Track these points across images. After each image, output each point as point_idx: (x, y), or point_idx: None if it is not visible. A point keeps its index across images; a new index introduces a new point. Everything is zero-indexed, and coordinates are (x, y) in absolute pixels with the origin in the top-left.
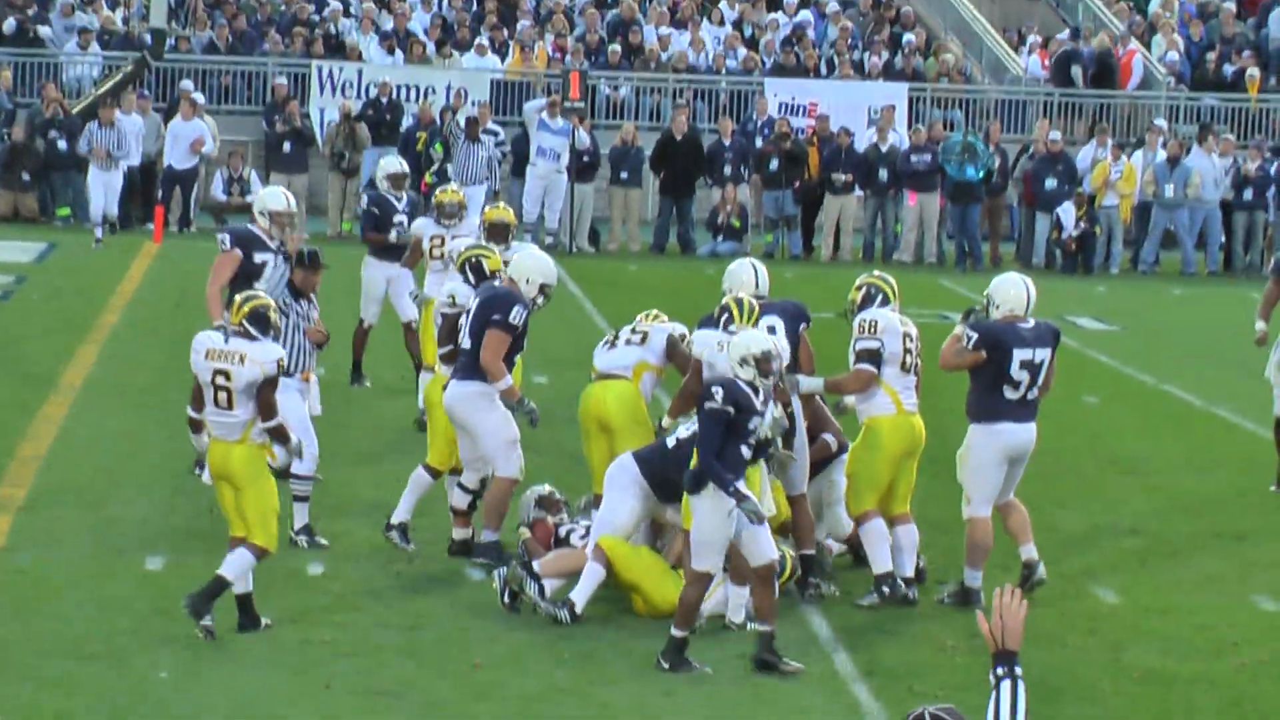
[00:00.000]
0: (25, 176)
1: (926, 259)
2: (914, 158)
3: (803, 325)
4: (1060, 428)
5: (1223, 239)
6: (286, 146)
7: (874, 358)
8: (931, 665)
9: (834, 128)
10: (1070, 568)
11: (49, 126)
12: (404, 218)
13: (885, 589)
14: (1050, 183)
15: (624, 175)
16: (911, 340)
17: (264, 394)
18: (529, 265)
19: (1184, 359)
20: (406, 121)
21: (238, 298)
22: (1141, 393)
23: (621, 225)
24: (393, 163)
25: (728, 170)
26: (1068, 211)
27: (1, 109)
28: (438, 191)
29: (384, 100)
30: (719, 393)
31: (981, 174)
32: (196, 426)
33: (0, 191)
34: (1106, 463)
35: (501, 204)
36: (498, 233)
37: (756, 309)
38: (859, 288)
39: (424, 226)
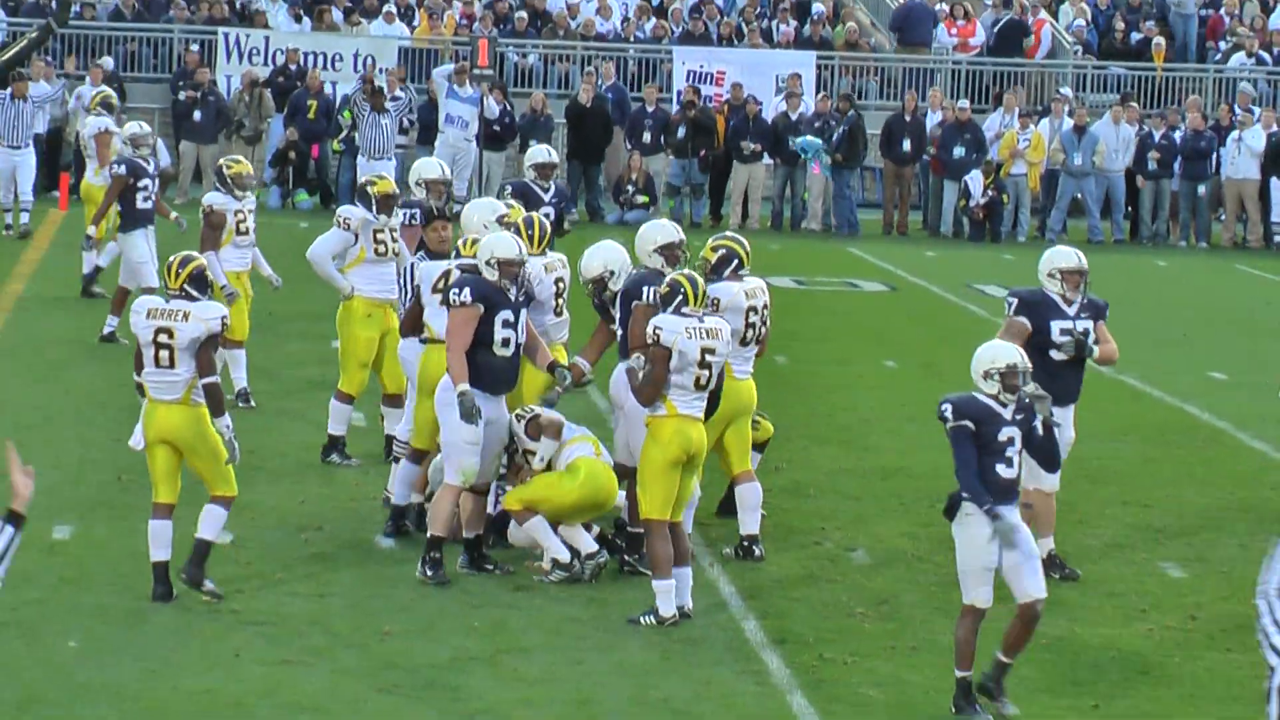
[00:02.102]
0: None
1: (833, 228)
2: (822, 125)
3: None
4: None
5: (1128, 208)
6: (196, 115)
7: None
8: (841, 631)
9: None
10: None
11: None
12: (550, 209)
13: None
14: (958, 151)
15: (533, 143)
16: (756, 313)
17: (205, 351)
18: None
19: None
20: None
21: (173, 260)
22: None
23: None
24: (540, 152)
25: (647, 138)
26: (975, 180)
27: None
28: (228, 162)
29: (292, 67)
30: (948, 409)
31: (829, 172)
32: (142, 391)
33: None
34: None
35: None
36: (385, 204)
37: (705, 288)
38: (715, 249)
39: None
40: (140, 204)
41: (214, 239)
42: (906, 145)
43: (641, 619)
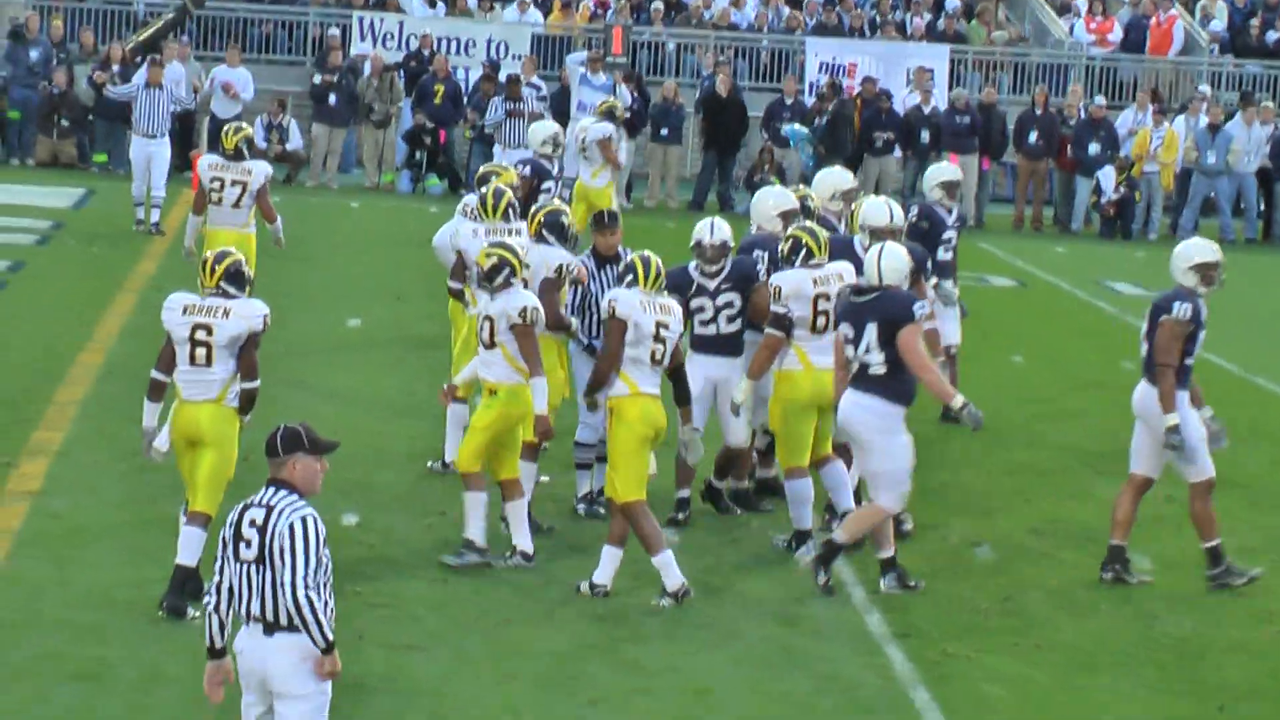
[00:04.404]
0: (64, 123)
1: (968, 222)
2: (956, 119)
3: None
4: (1098, 394)
5: (1261, 207)
6: (331, 99)
7: (781, 323)
8: (965, 627)
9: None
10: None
11: (102, 71)
12: (953, 233)
13: (797, 544)
14: (1092, 148)
15: (664, 132)
16: (828, 300)
17: (248, 352)
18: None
19: (1223, 327)
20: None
21: (209, 256)
22: None
23: (660, 182)
24: (945, 170)
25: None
26: (1108, 176)
27: (49, 57)
28: (229, 131)
29: (425, 53)
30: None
31: (811, 163)
32: (158, 392)
33: (40, 138)
34: None
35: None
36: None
37: (662, 271)
38: (787, 239)
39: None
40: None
41: (201, 201)
42: (1034, 138)
43: (659, 602)
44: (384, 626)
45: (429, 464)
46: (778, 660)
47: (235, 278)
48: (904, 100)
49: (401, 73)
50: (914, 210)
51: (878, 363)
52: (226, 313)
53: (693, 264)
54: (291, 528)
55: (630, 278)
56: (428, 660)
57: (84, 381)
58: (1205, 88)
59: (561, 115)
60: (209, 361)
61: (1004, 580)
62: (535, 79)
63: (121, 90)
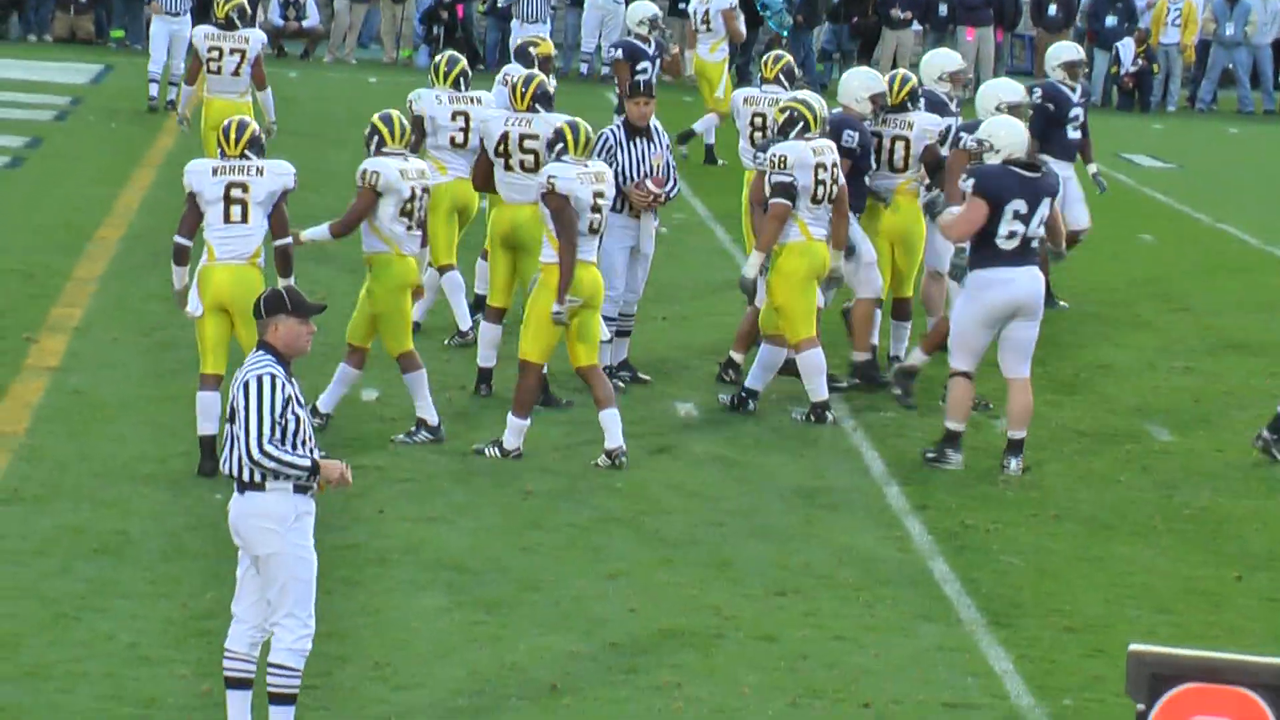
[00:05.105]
0: None
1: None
2: None
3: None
4: (1116, 265)
5: (1278, 78)
6: None
7: (788, 191)
8: (983, 498)
9: None
10: (1123, 405)
11: None
12: (1079, 110)
13: (813, 416)
14: (1110, 20)
15: (681, 5)
16: (825, 169)
17: (280, 208)
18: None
19: (1241, 198)
20: None
21: (231, 123)
22: (1197, 231)
23: (681, 56)
24: (1065, 49)
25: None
26: (1127, 48)
27: None
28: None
29: None
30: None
31: (786, 32)
32: (184, 255)
33: (57, 14)
34: (1161, 301)
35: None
36: (545, 66)
37: (591, 137)
38: (783, 110)
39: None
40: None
41: (196, 70)
42: (1053, 10)
43: (486, 450)
44: (405, 500)
45: (446, 340)
46: (797, 533)
47: (255, 144)
48: None
49: None
50: (1037, 91)
51: (1039, 237)
52: (260, 170)
53: None
54: (245, 386)
55: (560, 146)
56: (450, 531)
57: (103, 257)
58: None
59: None
60: (245, 218)
61: (1023, 452)
62: None
63: None
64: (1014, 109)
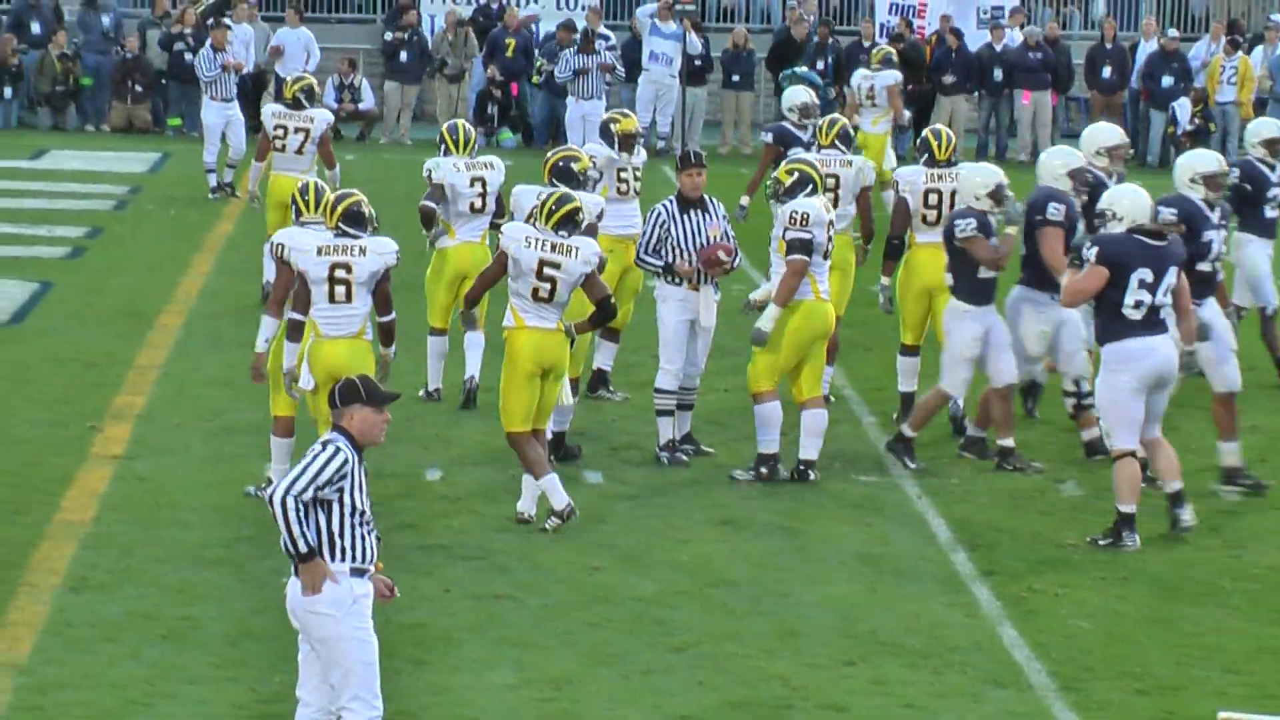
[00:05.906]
0: (138, 88)
1: None
2: (1029, 56)
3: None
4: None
5: None
6: (402, 55)
7: (806, 248)
8: (1051, 563)
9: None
10: (1191, 465)
11: (174, 39)
12: (1278, 190)
13: (764, 469)
14: (1166, 80)
15: (735, 78)
16: (832, 228)
17: (383, 286)
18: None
19: None
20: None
21: (330, 197)
22: None
23: (733, 129)
24: (1267, 125)
25: None
26: (1183, 107)
27: (119, 22)
28: (288, 82)
29: (494, 6)
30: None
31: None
32: (297, 332)
33: (114, 104)
34: None
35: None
36: (627, 143)
37: (560, 209)
38: (789, 172)
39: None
40: None
41: (265, 148)
42: (1107, 72)
43: (548, 524)
44: (471, 577)
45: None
46: (863, 601)
47: (354, 219)
48: (977, 39)
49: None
50: (1235, 170)
51: (1168, 305)
52: (363, 250)
53: None
54: (316, 446)
55: (539, 204)
56: (516, 609)
57: (164, 344)
58: (1278, 16)
59: (633, 66)
60: (349, 298)
61: (1089, 516)
62: (603, 29)
63: (204, 61)
64: (1209, 180)
